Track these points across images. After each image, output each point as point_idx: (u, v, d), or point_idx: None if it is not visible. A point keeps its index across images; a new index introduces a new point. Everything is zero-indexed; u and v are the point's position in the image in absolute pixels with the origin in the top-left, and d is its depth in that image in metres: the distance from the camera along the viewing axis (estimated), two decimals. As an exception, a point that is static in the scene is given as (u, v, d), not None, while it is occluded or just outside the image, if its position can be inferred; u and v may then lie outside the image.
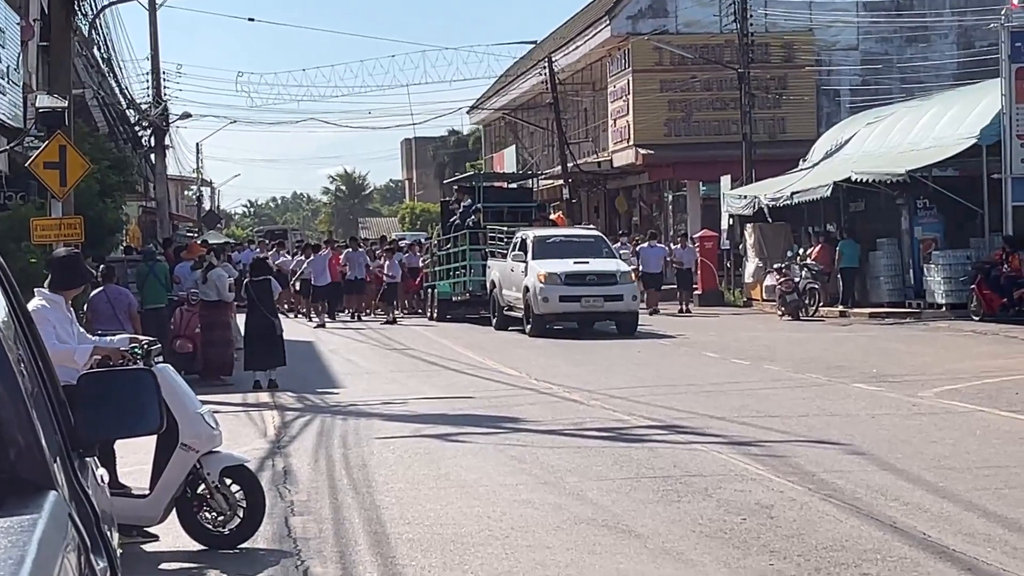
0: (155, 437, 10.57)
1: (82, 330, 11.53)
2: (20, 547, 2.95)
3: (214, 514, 10.79)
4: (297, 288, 42.48)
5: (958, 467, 13.15)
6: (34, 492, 3.53)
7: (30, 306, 10.43)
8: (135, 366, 9.73)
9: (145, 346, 11.08)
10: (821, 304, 37.31)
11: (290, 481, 13.47)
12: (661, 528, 10.78)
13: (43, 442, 3.72)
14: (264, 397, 21.38)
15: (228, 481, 10.83)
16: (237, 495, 10.82)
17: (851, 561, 9.52)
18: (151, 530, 10.94)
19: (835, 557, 9.66)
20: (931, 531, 10.37)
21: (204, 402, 11.69)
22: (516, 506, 11.83)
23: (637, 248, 42.41)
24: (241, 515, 10.78)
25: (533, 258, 33.33)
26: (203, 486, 10.76)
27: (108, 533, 4.51)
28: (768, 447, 14.66)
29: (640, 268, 40.27)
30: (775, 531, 10.55)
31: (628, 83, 54.71)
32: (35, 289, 11.27)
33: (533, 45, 69.68)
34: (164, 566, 10.38)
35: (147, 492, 10.82)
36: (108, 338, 11.83)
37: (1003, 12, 37.47)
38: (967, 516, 10.90)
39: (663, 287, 42.62)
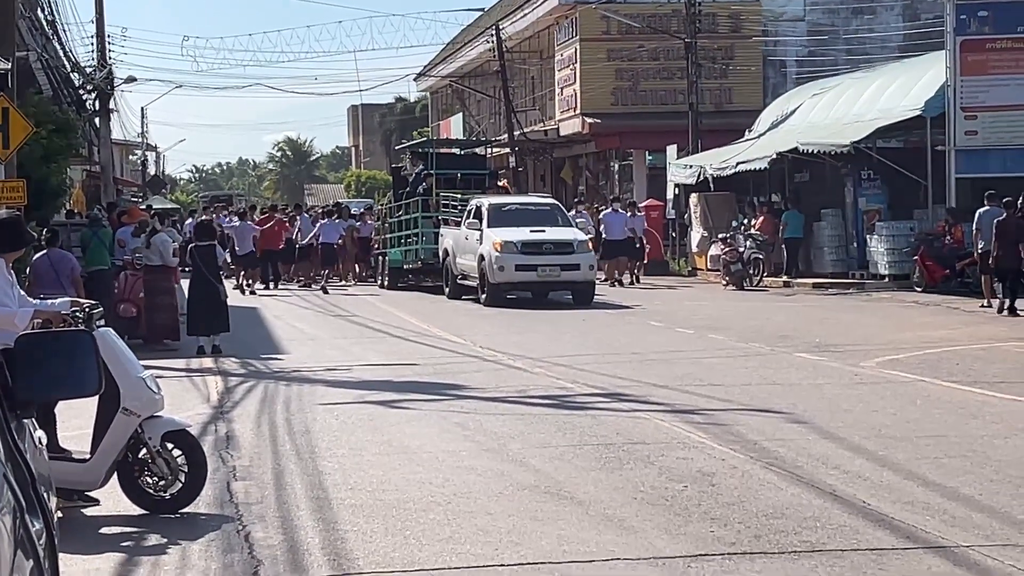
0: (96, 401, 10.55)
1: (23, 293, 11.43)
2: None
3: (155, 479, 10.75)
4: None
5: (898, 436, 13.24)
6: (-32, 453, 3.51)
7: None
8: (76, 329, 9.65)
9: (87, 310, 11.02)
10: (765, 274, 37.46)
11: (232, 446, 13.44)
12: (603, 495, 10.81)
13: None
14: (207, 363, 21.30)
15: (170, 446, 10.78)
16: (179, 460, 10.77)
17: (791, 528, 9.58)
18: (92, 494, 10.87)
19: (775, 524, 9.71)
20: (871, 499, 10.44)
21: (147, 367, 11.60)
22: (459, 472, 11.84)
23: (601, 215, 41.99)
24: (183, 480, 10.73)
25: (488, 226, 32.84)
26: (144, 451, 10.71)
27: (45, 495, 4.49)
28: (710, 415, 14.71)
29: (604, 236, 39.86)
30: (716, 498, 10.59)
31: (575, 52, 54.69)
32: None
33: (481, 12, 69.58)
34: (104, 530, 10.33)
35: (88, 456, 10.75)
36: (49, 302, 11.74)
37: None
38: (907, 485, 10.98)
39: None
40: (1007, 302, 27.19)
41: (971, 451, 12.41)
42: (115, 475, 10.77)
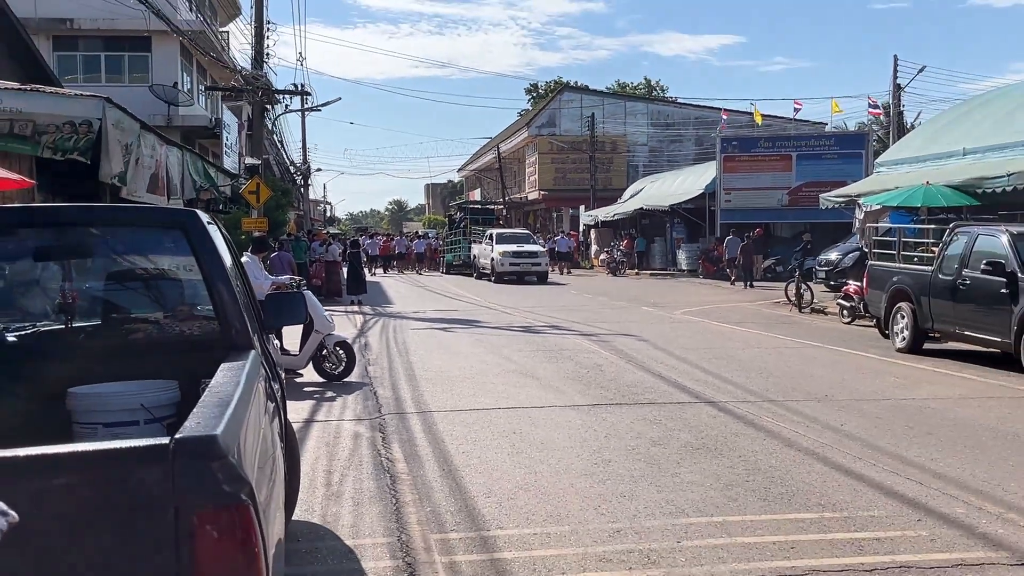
0: (302, 326, 10.54)
1: (266, 273, 11.43)
2: (237, 376, 2.96)
3: (331, 364, 10.74)
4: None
5: (691, 347, 13.25)
6: (244, 350, 3.53)
7: (242, 260, 10.34)
8: (293, 291, 9.66)
9: (298, 282, 11.07)
10: (627, 269, 37.42)
11: (367, 349, 13.40)
12: (549, 375, 10.81)
13: (249, 327, 3.71)
14: (355, 308, 21.24)
15: (338, 348, 10.78)
16: (342, 355, 10.76)
17: (639, 392, 9.59)
18: (300, 371, 10.89)
19: (633, 389, 9.72)
20: (679, 378, 10.45)
21: (327, 309, 11.61)
22: (478, 363, 11.83)
23: (555, 239, 41.59)
24: (344, 365, 10.74)
25: (495, 243, 32.78)
26: (325, 351, 10.71)
27: (279, 371, 4.51)
28: (601, 336, 14.72)
29: (556, 249, 39.51)
30: (604, 376, 10.60)
31: (536, 159, 54.33)
32: (244, 253, 11.17)
33: (489, 139, 69.14)
34: (305, 389, 10.31)
35: (298, 353, 10.76)
36: (279, 277, 11.74)
37: (718, 128, 37.93)
38: (694, 371, 10.99)
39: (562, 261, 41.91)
40: (746, 283, 27.29)
41: (727, 356, 12.44)
42: (311, 363, 10.77)
